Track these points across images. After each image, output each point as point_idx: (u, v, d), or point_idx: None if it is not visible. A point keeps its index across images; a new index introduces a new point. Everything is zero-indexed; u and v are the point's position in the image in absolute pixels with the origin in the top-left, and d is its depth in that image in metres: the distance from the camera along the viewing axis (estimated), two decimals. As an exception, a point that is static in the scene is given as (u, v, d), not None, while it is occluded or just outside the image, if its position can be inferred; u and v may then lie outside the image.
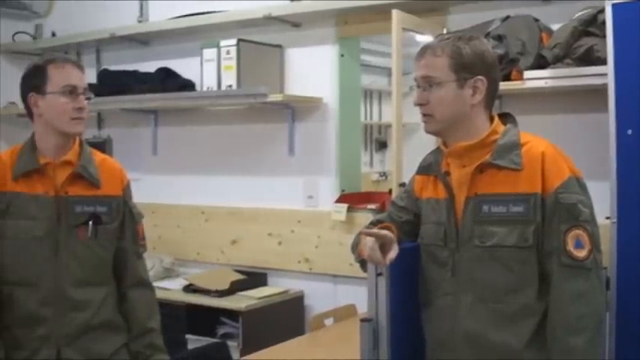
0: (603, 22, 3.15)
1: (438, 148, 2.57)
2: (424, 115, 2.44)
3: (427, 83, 2.41)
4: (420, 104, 2.44)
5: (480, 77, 2.38)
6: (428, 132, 2.49)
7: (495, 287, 2.35)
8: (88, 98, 2.76)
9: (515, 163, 2.34)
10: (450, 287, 2.43)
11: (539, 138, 2.43)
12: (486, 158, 2.37)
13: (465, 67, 2.37)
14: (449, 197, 2.45)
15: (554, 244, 2.29)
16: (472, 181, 2.39)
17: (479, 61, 2.39)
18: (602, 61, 3.21)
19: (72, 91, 2.69)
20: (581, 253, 2.26)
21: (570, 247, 2.26)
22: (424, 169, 2.59)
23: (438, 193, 2.51)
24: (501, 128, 2.44)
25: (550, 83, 3.59)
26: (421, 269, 2.55)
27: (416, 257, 2.63)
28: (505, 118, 2.50)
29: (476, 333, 2.37)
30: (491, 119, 2.47)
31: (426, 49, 2.43)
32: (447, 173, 2.48)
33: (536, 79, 3.62)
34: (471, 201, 2.39)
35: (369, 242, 2.37)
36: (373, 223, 2.64)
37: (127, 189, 2.93)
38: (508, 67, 3.72)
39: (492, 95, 2.45)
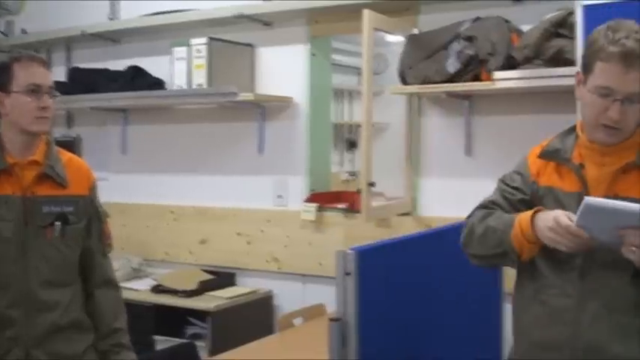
0: (573, 24, 3.17)
1: (566, 134, 2.40)
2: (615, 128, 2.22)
3: (635, 99, 2.17)
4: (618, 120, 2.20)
5: None
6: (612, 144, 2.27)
7: (625, 298, 2.19)
8: (54, 97, 2.72)
9: None
10: (574, 290, 2.24)
11: None
12: (633, 159, 2.22)
13: None
14: (583, 193, 2.22)
15: None
16: (613, 180, 2.23)
17: None
18: (572, 63, 3.23)
19: (36, 90, 2.65)
20: None
21: None
22: (549, 154, 2.38)
23: (564, 185, 2.32)
24: None
25: (519, 84, 3.62)
26: (534, 262, 2.35)
27: (388, 256, 2.63)
28: None
29: (598, 344, 2.20)
30: None
31: (635, 58, 2.14)
32: (582, 166, 2.29)
33: (505, 79, 3.64)
34: None
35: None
36: (486, 206, 2.46)
37: (93, 188, 2.89)
38: (478, 68, 3.74)
39: None
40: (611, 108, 2.15)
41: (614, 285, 2.20)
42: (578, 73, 2.28)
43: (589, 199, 2.01)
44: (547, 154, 2.38)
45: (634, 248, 2.02)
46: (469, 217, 2.48)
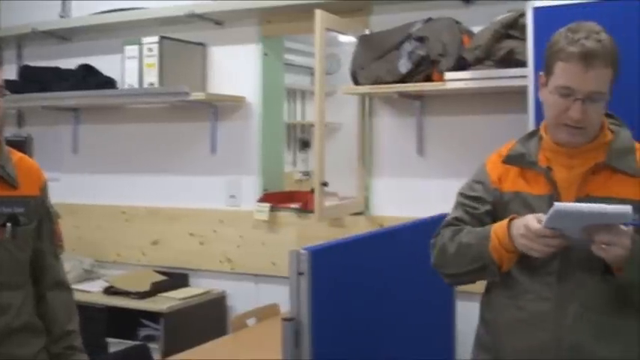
0: (524, 26, 3.20)
1: (527, 138, 2.42)
2: (577, 128, 2.24)
3: (595, 97, 2.20)
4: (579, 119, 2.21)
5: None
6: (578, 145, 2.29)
7: (600, 296, 2.20)
8: (4, 95, 2.68)
9: (632, 168, 2.24)
10: (551, 293, 2.24)
11: None
12: (602, 160, 2.24)
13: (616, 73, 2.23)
14: (554, 195, 2.24)
15: None
16: (583, 181, 2.24)
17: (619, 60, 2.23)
18: (522, 64, 3.26)
19: None
20: None
21: None
22: (513, 160, 2.37)
23: (533, 189, 2.32)
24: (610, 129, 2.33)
25: (470, 84, 3.64)
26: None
27: (341, 256, 2.63)
28: (610, 117, 2.37)
29: (581, 343, 2.20)
30: None
31: (595, 57, 2.17)
32: (549, 169, 2.29)
33: (456, 80, 3.66)
34: (583, 202, 2.16)
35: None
36: (452, 224, 2.43)
37: (44, 188, 2.85)
38: (429, 69, 3.76)
39: None
40: (572, 107, 2.18)
41: (589, 285, 2.20)
42: (540, 75, 2.31)
43: (559, 205, 2.03)
44: (512, 160, 2.38)
45: (604, 246, 2.04)
46: (436, 236, 2.45)
